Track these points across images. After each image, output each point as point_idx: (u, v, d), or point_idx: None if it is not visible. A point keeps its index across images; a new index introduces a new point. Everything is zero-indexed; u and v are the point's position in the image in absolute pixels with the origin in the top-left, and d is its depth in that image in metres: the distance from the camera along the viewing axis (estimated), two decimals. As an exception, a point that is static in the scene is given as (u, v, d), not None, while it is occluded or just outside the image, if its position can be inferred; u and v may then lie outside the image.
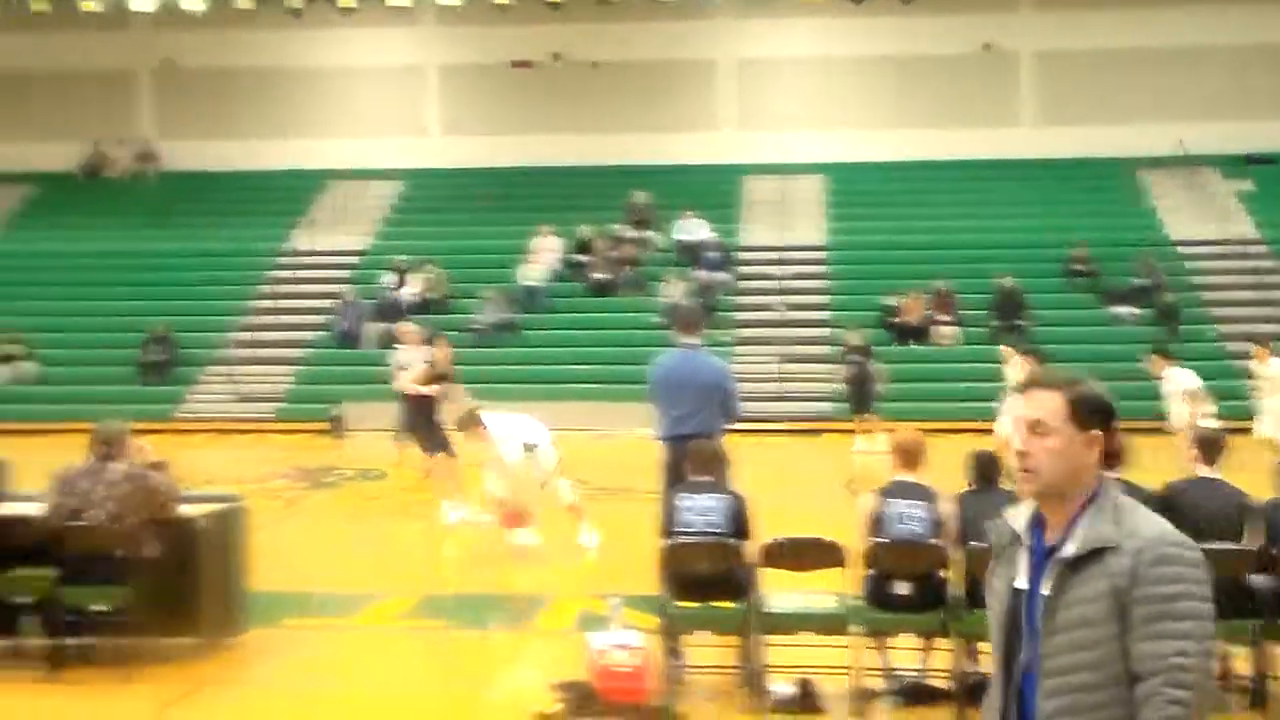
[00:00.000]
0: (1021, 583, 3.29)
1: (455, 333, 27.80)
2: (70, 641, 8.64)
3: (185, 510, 8.85)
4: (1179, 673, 3.08)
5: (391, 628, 10.11)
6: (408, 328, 18.25)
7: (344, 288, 28.90)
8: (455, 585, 12.12)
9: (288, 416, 25.41)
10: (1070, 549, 3.20)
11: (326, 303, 29.05)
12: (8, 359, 26.96)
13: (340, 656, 9.52)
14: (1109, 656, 3.13)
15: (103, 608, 8.45)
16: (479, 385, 25.97)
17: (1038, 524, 3.34)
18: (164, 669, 8.38)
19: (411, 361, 16.32)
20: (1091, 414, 3.28)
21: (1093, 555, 3.17)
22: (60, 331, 28.19)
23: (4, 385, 26.71)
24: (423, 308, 27.93)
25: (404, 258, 29.19)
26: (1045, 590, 3.21)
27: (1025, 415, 3.30)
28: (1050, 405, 3.28)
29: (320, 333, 28.37)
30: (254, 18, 32.46)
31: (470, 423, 12.62)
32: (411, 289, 28.61)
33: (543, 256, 29.29)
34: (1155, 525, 3.21)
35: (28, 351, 27.15)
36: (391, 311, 27.42)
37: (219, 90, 34.53)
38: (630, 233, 29.68)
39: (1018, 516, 3.39)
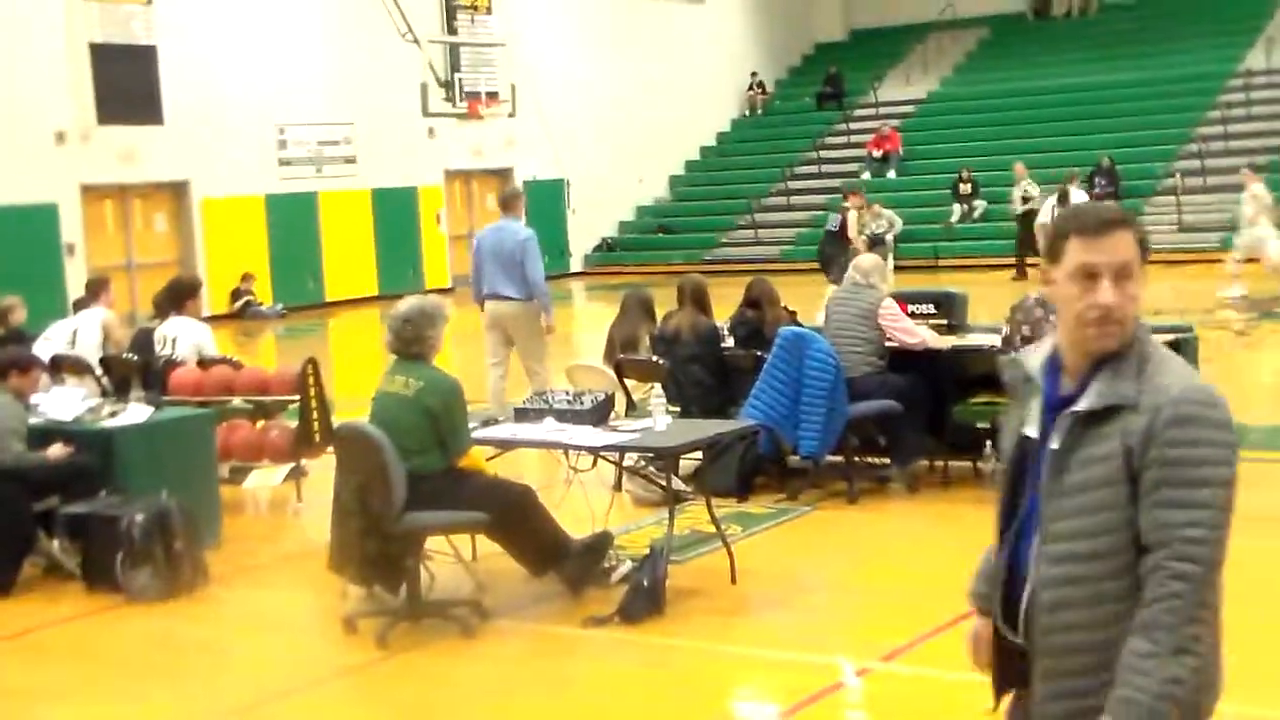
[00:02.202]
0: (1031, 430, 2.93)
1: None
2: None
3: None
4: (1189, 545, 2.67)
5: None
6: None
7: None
8: None
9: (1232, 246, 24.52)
10: (1085, 402, 2.80)
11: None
12: (965, 199, 28.22)
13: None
14: (1115, 524, 2.75)
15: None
16: None
17: (1053, 368, 2.90)
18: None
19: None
20: (1146, 250, 2.86)
21: (1109, 411, 2.77)
22: (1007, 169, 29.05)
23: (957, 225, 28.07)
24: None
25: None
26: (1054, 445, 2.83)
27: (1108, 260, 2.76)
28: (1131, 245, 2.79)
29: (1274, 157, 26.99)
30: None
31: None
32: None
33: None
34: (1182, 380, 2.77)
35: (976, 189, 28.24)
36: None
37: (1163, -90, 33.54)
38: None
39: (1033, 356, 2.92)
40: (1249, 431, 10.98)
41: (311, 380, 9.63)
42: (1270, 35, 30.32)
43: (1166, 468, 2.70)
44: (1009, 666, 2.98)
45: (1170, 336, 9.27)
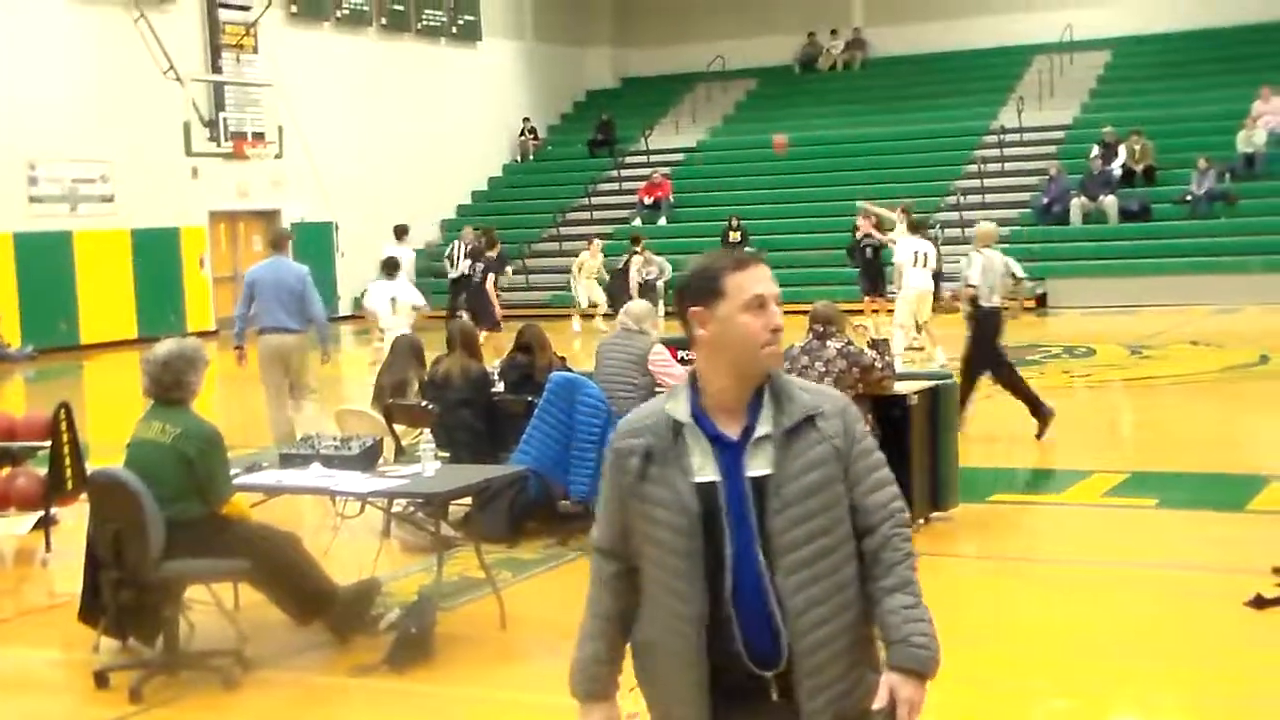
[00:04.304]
0: (709, 475, 3.06)
1: (1166, 205, 26.78)
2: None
3: (899, 387, 9.17)
4: (902, 514, 3.15)
5: (1099, 505, 10.04)
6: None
7: (1050, 163, 28.47)
8: (1165, 462, 11.81)
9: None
10: (784, 421, 3.06)
11: (1033, 179, 28.78)
12: (734, 245, 28.66)
13: (1047, 531, 9.62)
14: (840, 515, 3.08)
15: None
16: (1190, 258, 25.07)
17: (699, 414, 3.09)
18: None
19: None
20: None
21: (804, 423, 3.07)
22: (775, 218, 29.70)
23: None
24: (1129, 180, 27.04)
25: (1111, 129, 28.30)
26: (759, 471, 3.03)
27: (772, 290, 3.11)
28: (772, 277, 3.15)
29: (1025, 210, 28.16)
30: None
31: None
32: (1118, 161, 27.74)
33: (1263, 120, 27.46)
34: (821, 388, 3.23)
35: (745, 237, 28.74)
36: (1098, 185, 26.78)
37: (922, -28, 34.85)
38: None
39: (674, 406, 3.10)
40: (1006, 474, 11.37)
41: (64, 425, 9.25)
42: (1021, 94, 31.66)
43: (866, 457, 3.11)
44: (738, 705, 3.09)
45: (931, 383, 9.57)
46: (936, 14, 34.85)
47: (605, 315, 23.53)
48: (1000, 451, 12.16)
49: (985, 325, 12.55)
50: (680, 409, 3.08)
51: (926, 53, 34.66)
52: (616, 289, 23.51)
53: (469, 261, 23.80)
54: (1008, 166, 29.71)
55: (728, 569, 3.02)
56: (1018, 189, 28.90)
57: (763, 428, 3.05)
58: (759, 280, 3.07)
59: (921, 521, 9.09)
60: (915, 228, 18.86)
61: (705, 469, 3.04)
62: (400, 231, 22.72)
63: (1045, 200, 27.62)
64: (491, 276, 23.38)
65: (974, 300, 12.71)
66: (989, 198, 28.64)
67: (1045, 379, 16.80)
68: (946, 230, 27.70)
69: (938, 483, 9.36)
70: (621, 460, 3.12)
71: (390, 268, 16.95)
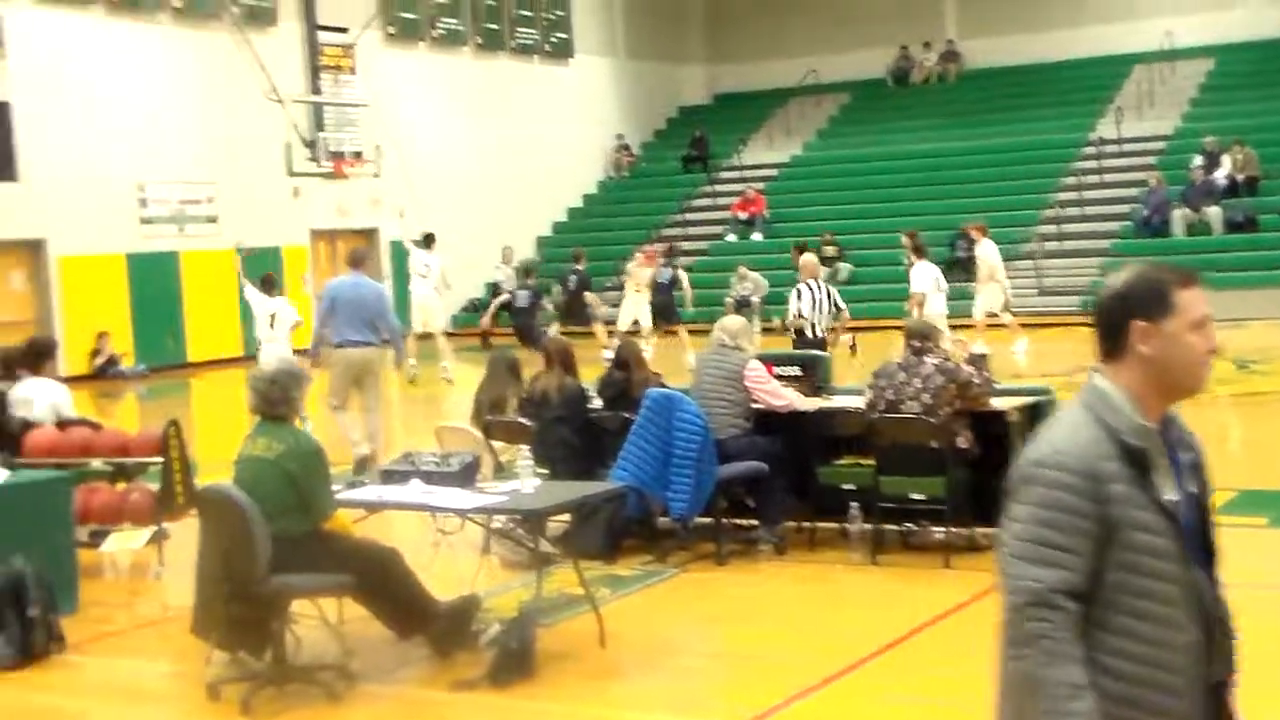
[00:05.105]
0: (1173, 494, 2.94)
1: (1272, 215, 26.36)
2: (889, 527, 9.22)
3: (997, 403, 9.11)
4: None
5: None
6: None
7: (1150, 174, 28.11)
8: (1276, 480, 11.62)
9: (1093, 308, 25.24)
10: (1193, 441, 3.04)
11: (1132, 191, 28.44)
12: (829, 260, 28.64)
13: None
14: None
15: (918, 496, 8.92)
16: (1298, 271, 24.64)
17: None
18: (978, 558, 8.70)
19: None
20: None
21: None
22: (869, 232, 29.59)
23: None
24: (1233, 190, 26.63)
25: (1213, 139, 27.90)
26: (1193, 488, 3.00)
27: (1209, 311, 2.97)
28: None
29: (1125, 223, 27.84)
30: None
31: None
32: (1222, 171, 27.34)
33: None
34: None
35: (840, 253, 28.71)
36: (1201, 196, 26.40)
37: (1019, -17, 34.64)
38: None
39: (1143, 426, 2.93)
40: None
41: (174, 441, 9.47)
42: (1120, 105, 31.31)
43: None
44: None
45: (1031, 399, 9.50)
46: (1032, 25, 34.57)
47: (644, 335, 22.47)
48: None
49: None
50: (1145, 425, 2.93)
51: (1022, 64, 34.38)
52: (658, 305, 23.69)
53: (515, 283, 23.99)
54: (1106, 178, 29.38)
55: (1203, 588, 2.99)
56: (1117, 201, 28.57)
57: (1195, 441, 3.06)
58: (1203, 298, 2.96)
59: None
60: (920, 252, 18.83)
61: (1167, 488, 2.93)
62: (428, 240, 22.87)
63: (1146, 213, 27.28)
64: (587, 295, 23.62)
65: (800, 331, 13.73)
66: (1088, 210, 28.37)
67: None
68: (1046, 244, 27.52)
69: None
70: (1098, 486, 2.85)
71: (268, 284, 17.12)
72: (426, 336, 21.40)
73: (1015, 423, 9.04)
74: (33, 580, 7.59)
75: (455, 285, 22.91)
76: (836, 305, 14.08)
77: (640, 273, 23.80)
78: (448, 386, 19.95)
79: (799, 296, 14.05)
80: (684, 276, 24.47)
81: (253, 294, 16.95)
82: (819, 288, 14.14)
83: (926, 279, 18.64)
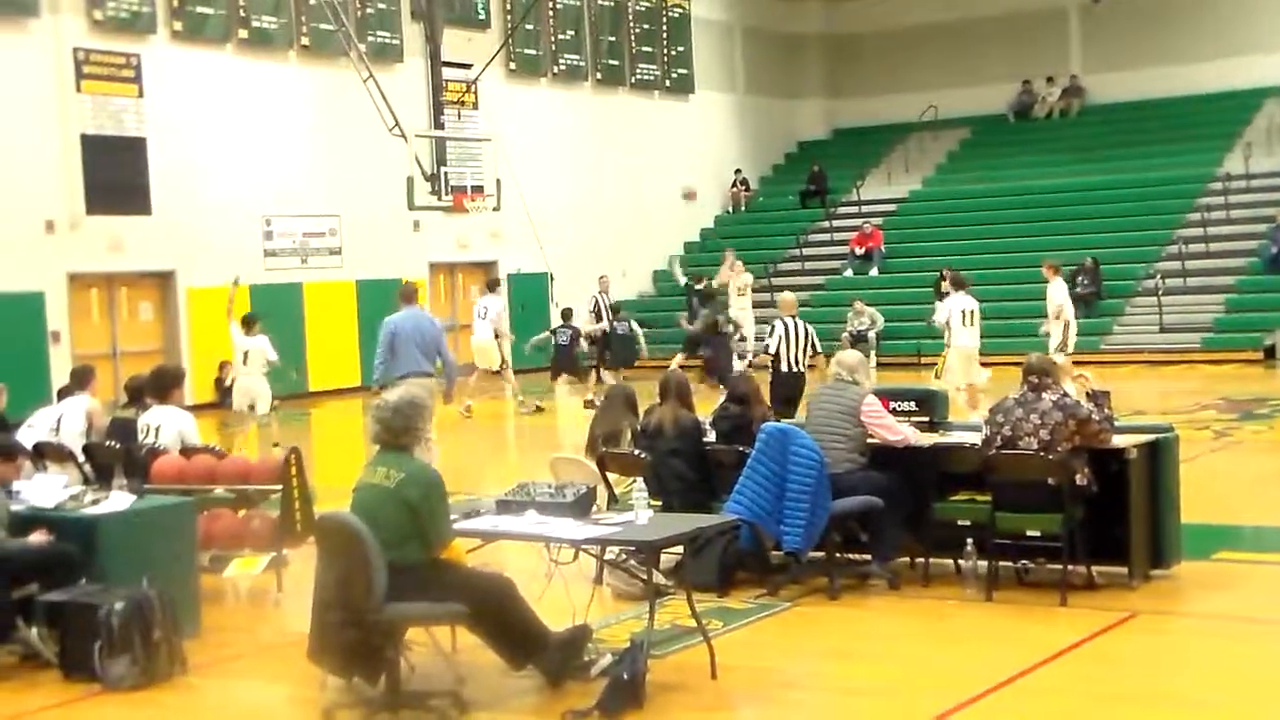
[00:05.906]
0: None
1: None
2: (1004, 564, 9.11)
3: (1117, 440, 8.99)
4: None
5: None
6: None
7: (1278, 211, 27.57)
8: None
9: (1215, 346, 24.82)
10: None
11: (1260, 227, 27.89)
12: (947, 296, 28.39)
13: (1273, 590, 9.30)
14: None
15: (1035, 533, 8.81)
16: None
17: None
18: (1095, 596, 8.59)
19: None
20: None
21: None
22: (988, 268, 29.29)
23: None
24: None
25: (1345, 175, 27.32)
26: None
27: None
28: None
29: (1252, 259, 27.30)
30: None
31: None
32: (1354, 209, 26.76)
33: None
34: None
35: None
36: (1331, 234, 25.86)
37: (1145, 19, 34.16)
38: None
39: None
40: (1231, 531, 11.05)
41: (294, 470, 9.63)
42: (1248, 140, 30.75)
43: None
44: None
45: (1151, 437, 9.35)
46: (1158, 59, 34.09)
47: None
48: (1224, 507, 11.80)
49: (784, 388, 14.21)
50: None
51: (1148, 99, 33.92)
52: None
53: (608, 313, 24.05)
54: (1233, 214, 28.84)
55: None
56: (1244, 237, 28.04)
57: None
58: None
59: (1142, 579, 8.91)
60: (960, 284, 18.46)
61: None
62: (493, 284, 23.30)
63: (1274, 250, 26.74)
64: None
65: (773, 366, 14.43)
66: (1213, 246, 27.86)
67: (1275, 433, 16.26)
68: (1168, 280, 27.06)
69: (1159, 539, 9.13)
70: None
71: (248, 323, 17.71)
72: (493, 374, 21.87)
73: (1134, 460, 8.92)
74: (157, 604, 7.76)
75: (507, 330, 22.89)
76: (814, 345, 14.63)
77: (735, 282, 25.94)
78: (548, 416, 20.07)
79: (772, 332, 14.73)
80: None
81: (235, 331, 17.63)
82: (795, 324, 14.68)
83: (954, 310, 18.27)
